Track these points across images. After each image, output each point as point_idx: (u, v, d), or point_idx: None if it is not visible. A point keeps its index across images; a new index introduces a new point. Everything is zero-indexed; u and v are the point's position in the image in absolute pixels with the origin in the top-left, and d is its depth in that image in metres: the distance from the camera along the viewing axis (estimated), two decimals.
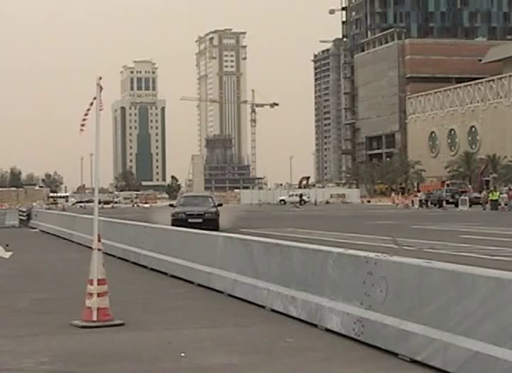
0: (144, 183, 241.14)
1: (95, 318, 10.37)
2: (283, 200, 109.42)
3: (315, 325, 9.88)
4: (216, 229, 28.21)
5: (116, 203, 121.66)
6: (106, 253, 14.27)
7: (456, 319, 7.38)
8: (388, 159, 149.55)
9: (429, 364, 7.58)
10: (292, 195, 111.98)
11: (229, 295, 12.79)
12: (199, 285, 14.34)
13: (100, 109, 10.96)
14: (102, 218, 23.57)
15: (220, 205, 36.02)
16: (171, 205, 36.44)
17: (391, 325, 8.31)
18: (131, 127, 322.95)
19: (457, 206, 68.31)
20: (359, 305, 9.00)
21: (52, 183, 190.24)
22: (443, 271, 7.74)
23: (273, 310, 11.12)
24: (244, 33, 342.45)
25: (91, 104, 10.91)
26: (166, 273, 16.49)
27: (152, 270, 17.52)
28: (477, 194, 76.08)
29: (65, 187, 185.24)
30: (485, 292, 7.06)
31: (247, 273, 12.42)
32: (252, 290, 11.99)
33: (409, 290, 8.17)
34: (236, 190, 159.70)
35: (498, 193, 64.45)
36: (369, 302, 8.83)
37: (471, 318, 7.19)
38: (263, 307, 11.46)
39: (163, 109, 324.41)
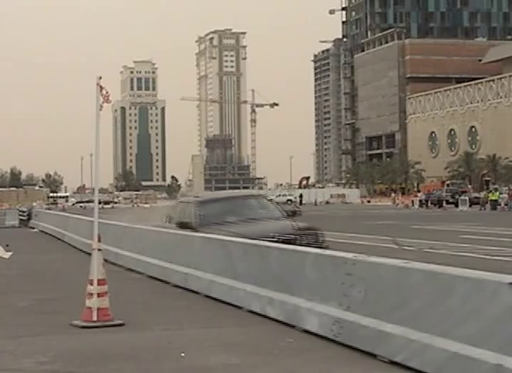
0: (144, 183, 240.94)
1: (95, 318, 10.37)
2: None
3: (293, 326, 9.80)
4: None
5: (116, 203, 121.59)
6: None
7: (434, 320, 7.34)
8: (388, 159, 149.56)
9: (408, 365, 7.53)
10: (279, 195, 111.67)
11: (206, 296, 12.68)
12: (175, 286, 14.20)
13: (109, 102, 11.00)
14: (88, 218, 23.46)
15: (295, 214, 17.14)
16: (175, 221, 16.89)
17: (369, 326, 8.24)
18: (131, 127, 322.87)
19: (457, 206, 68.25)
20: (338, 306, 8.91)
21: (52, 183, 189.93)
22: (422, 272, 7.70)
23: (251, 311, 11.03)
24: (244, 33, 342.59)
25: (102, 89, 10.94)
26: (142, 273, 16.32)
27: (128, 269, 17.25)
28: (477, 194, 76.06)
29: (65, 187, 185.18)
30: (463, 293, 7.02)
31: (224, 274, 12.32)
32: (229, 290, 11.88)
33: (388, 291, 8.11)
34: (236, 190, 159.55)
35: (498, 193, 64.44)
36: (347, 303, 8.75)
37: (449, 319, 7.15)
38: (240, 308, 11.36)
39: (163, 109, 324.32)
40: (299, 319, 9.70)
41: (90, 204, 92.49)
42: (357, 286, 8.58)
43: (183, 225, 15.98)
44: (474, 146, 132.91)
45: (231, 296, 11.78)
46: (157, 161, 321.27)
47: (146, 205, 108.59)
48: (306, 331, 9.44)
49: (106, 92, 10.93)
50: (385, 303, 8.13)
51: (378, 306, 8.24)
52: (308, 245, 13.29)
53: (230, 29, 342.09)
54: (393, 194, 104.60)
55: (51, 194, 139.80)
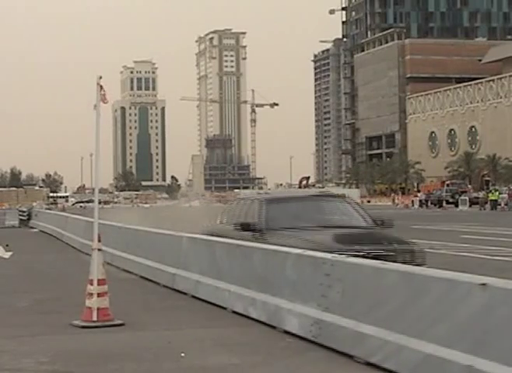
0: (144, 183, 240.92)
1: (95, 318, 10.38)
2: None
3: (274, 327, 9.78)
4: None
5: (116, 203, 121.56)
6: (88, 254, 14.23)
7: (409, 321, 7.34)
8: (388, 159, 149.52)
9: (384, 367, 7.52)
10: None
11: (193, 296, 12.69)
12: (165, 286, 14.22)
13: (105, 102, 11.00)
14: (85, 218, 23.52)
15: (385, 224, 14.89)
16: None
17: (347, 327, 8.24)
18: (131, 127, 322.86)
19: (457, 206, 68.30)
20: (317, 307, 8.90)
21: (52, 183, 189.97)
22: (397, 272, 7.72)
23: (234, 312, 11.03)
24: (244, 33, 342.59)
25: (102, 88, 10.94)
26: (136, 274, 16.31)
27: (123, 270, 17.20)
28: (477, 194, 76.09)
29: (65, 187, 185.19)
30: (437, 294, 7.02)
31: (209, 275, 12.30)
32: (214, 291, 11.87)
33: (365, 291, 8.11)
34: (236, 190, 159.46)
35: (498, 193, 64.47)
36: (326, 304, 8.74)
37: (423, 320, 7.15)
38: (225, 308, 11.36)
39: (163, 109, 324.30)
40: (280, 320, 9.68)
41: (90, 204, 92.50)
42: (335, 287, 8.57)
43: (244, 227, 13.37)
44: (474, 146, 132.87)
45: (216, 297, 11.77)
46: (157, 161, 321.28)
47: (146, 205, 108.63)
48: (287, 332, 9.42)
49: (104, 93, 10.94)
50: (362, 304, 8.12)
51: (355, 307, 8.24)
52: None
53: (230, 29, 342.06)
54: (393, 194, 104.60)
55: (51, 194, 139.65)
